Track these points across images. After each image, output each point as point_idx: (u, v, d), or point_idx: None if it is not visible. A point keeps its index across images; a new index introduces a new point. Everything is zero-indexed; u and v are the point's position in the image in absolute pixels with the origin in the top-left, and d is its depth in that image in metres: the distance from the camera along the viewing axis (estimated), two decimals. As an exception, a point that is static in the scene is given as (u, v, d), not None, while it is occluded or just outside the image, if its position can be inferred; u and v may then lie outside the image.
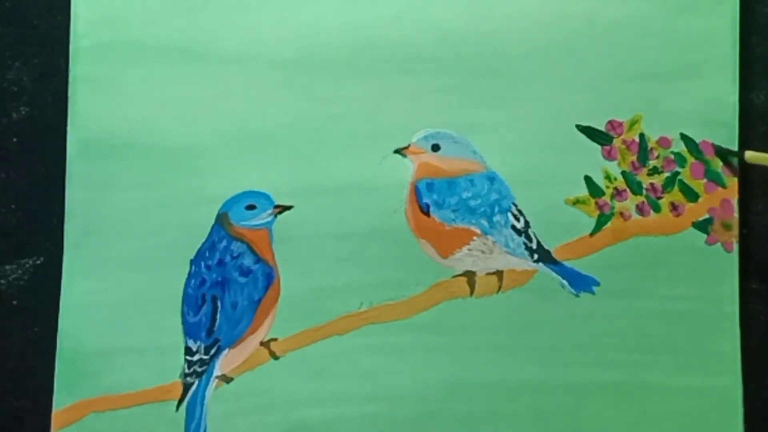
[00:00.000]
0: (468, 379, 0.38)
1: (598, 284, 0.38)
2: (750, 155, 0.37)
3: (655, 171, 0.39)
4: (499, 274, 0.38)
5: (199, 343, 0.37)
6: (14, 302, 0.38)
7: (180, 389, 0.37)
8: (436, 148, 0.38)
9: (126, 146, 0.38)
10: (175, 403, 0.37)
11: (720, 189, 0.39)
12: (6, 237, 0.39)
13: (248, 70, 0.38)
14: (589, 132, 0.38)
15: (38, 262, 0.38)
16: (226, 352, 0.37)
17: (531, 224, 0.38)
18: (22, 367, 0.38)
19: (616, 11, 0.39)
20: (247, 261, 0.38)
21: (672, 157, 0.39)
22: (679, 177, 0.39)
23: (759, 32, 0.40)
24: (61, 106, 0.38)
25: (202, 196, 0.38)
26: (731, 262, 0.38)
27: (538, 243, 0.38)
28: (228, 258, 0.38)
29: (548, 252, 0.38)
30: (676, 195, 0.39)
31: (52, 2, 0.39)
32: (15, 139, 0.39)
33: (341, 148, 0.38)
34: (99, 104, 0.38)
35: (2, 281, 0.38)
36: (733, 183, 0.38)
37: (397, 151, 0.38)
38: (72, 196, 0.38)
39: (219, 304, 0.38)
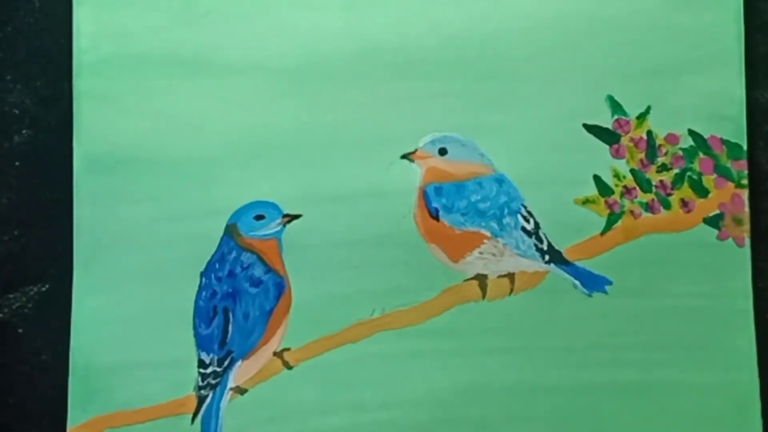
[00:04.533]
0: (482, 383, 0.37)
1: (610, 283, 0.38)
2: None
3: (664, 168, 0.39)
4: (510, 276, 0.38)
5: (212, 355, 0.37)
6: (20, 330, 0.38)
7: (194, 402, 0.37)
8: (443, 152, 0.38)
9: (132, 160, 0.38)
10: (190, 416, 0.37)
11: (730, 184, 0.38)
12: (9, 264, 0.38)
13: (252, 79, 0.38)
14: (597, 131, 0.38)
15: (43, 288, 0.38)
16: (239, 363, 0.37)
17: (541, 225, 0.38)
18: (31, 394, 0.38)
19: (618, 8, 0.39)
20: (258, 271, 0.38)
21: (680, 153, 0.39)
22: (689, 173, 0.38)
23: (761, 30, 0.40)
24: (65, 129, 0.38)
25: (211, 207, 0.38)
26: (743, 256, 0.38)
27: (549, 244, 0.38)
28: (238, 269, 0.38)
29: (559, 253, 0.38)
30: (685, 191, 0.38)
31: (54, 24, 0.39)
32: (17, 163, 0.39)
33: (348, 155, 0.38)
34: (104, 119, 0.38)
35: (6, 310, 0.38)
36: (743, 177, 0.38)
37: (404, 157, 0.38)
38: (79, 211, 0.37)
39: (231, 315, 0.37)
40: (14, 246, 0.38)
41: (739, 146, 0.38)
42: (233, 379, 0.37)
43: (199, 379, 0.37)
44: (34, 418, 0.37)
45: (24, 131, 0.39)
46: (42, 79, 0.39)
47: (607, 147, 0.38)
